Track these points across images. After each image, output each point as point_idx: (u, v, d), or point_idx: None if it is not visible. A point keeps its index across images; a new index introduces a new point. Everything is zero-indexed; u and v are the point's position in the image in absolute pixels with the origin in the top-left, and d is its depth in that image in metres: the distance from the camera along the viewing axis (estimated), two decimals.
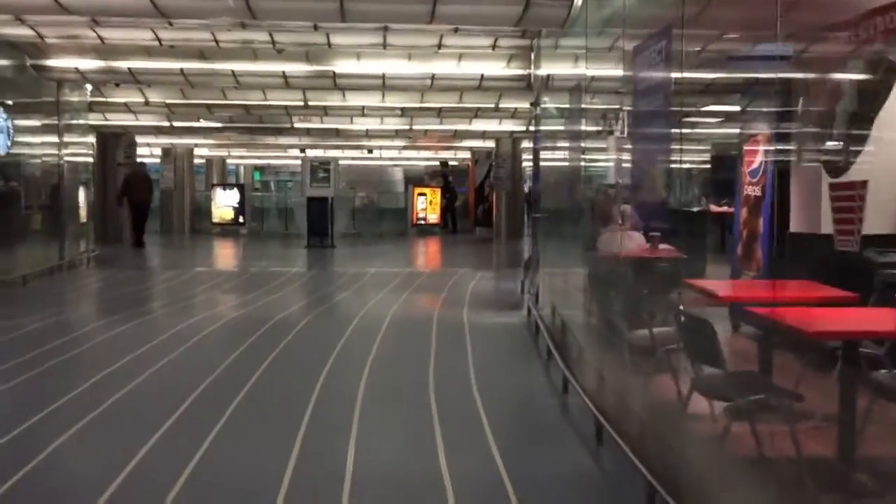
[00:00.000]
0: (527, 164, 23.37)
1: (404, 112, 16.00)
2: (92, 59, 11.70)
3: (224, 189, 25.05)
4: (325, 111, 15.80)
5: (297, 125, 19.11)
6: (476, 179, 27.92)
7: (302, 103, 15.14)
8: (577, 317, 7.29)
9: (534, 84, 11.40)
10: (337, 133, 19.78)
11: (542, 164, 11.09)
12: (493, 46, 10.93)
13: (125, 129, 19.29)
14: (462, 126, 19.51)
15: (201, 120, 18.78)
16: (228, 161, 32.24)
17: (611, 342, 5.98)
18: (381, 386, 6.15)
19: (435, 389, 5.98)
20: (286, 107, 15.45)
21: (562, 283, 8.31)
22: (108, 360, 6.68)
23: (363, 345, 7.43)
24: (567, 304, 7.64)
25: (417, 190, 25.72)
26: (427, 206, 25.82)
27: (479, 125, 19.52)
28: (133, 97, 14.92)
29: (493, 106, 15.40)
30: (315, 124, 18.96)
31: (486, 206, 27.69)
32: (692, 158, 21.29)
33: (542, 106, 10.25)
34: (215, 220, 24.88)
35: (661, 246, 7.55)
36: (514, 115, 16.15)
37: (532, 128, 11.64)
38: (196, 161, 30.18)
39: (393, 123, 19.08)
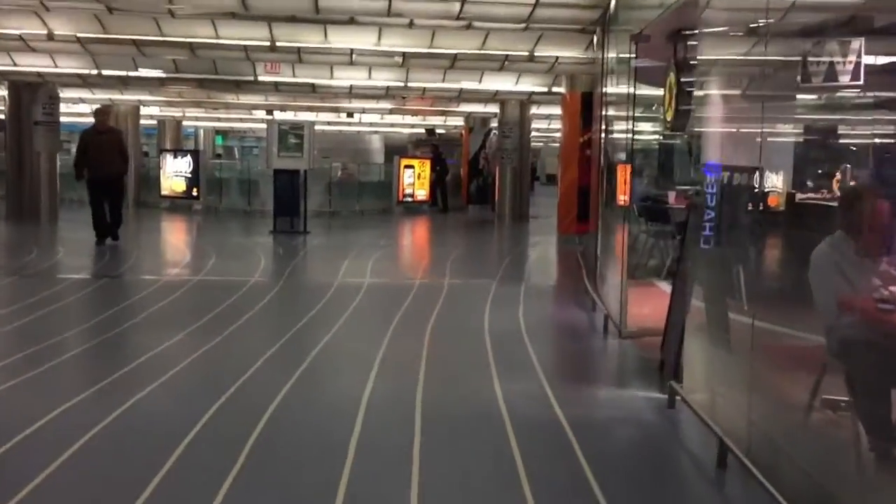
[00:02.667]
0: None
1: (405, 60, 11.72)
2: None
3: (175, 156, 20.57)
4: (298, 56, 11.46)
5: (262, 78, 14.76)
6: (469, 150, 23.79)
7: (267, 43, 10.84)
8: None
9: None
10: (313, 90, 15.43)
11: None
12: None
13: (42, 77, 14.79)
14: (469, 84, 15.30)
15: (140, 69, 14.38)
16: (185, 123, 27.68)
17: None
18: None
19: None
20: (245, 48, 11.09)
21: (743, 352, 4.26)
22: None
23: (389, 488, 3.38)
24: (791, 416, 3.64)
25: (404, 161, 21.46)
26: (415, 180, 21.61)
27: (490, 83, 15.33)
28: (30, 26, 10.47)
29: (526, 54, 11.22)
30: (285, 77, 14.62)
31: (481, 180, 23.63)
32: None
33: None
34: (164, 192, 20.45)
35: None
36: (551, 68, 11.94)
37: (611, 87, 7.58)
38: (146, 122, 25.74)
39: (384, 78, 14.80)
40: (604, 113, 8.89)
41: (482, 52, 11.05)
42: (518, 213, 19.14)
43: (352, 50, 11.12)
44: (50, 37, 10.51)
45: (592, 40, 10.28)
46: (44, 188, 15.79)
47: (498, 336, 6.50)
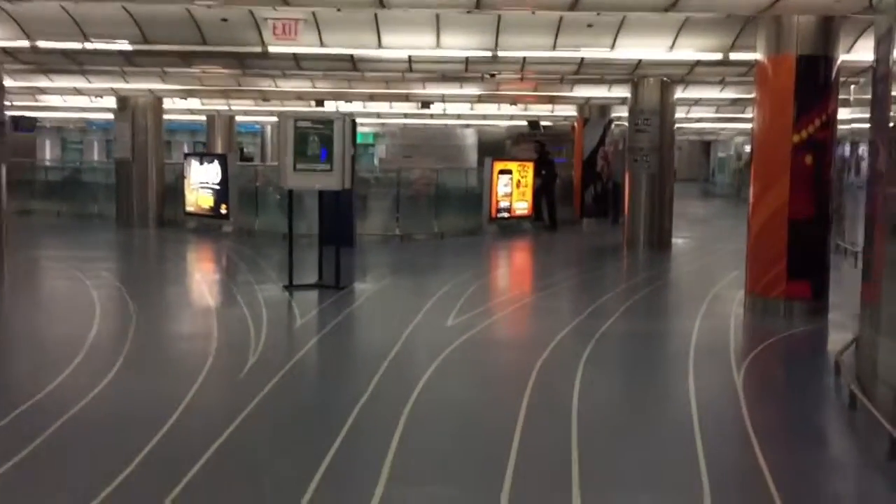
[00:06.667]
0: None
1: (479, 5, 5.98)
2: None
3: (201, 162, 15.57)
4: None
5: (272, 48, 9.36)
6: (584, 148, 17.88)
7: None
8: None
9: None
10: (352, 65, 9.96)
11: None
12: None
13: None
14: (595, 52, 9.50)
15: (94, 39, 9.27)
16: (242, 119, 22.81)
17: None
18: None
19: None
20: None
21: None
22: None
23: None
24: None
25: (499, 166, 15.72)
26: (513, 188, 15.91)
27: (628, 49, 9.50)
28: None
29: None
30: (307, 46, 9.17)
31: (600, 186, 17.75)
32: None
33: None
34: (189, 207, 15.55)
35: None
36: (771, 4, 5.98)
37: None
38: (192, 118, 20.98)
39: (459, 45, 9.16)
40: None
41: None
42: (657, 238, 13.24)
43: None
44: None
45: None
46: None
47: None
